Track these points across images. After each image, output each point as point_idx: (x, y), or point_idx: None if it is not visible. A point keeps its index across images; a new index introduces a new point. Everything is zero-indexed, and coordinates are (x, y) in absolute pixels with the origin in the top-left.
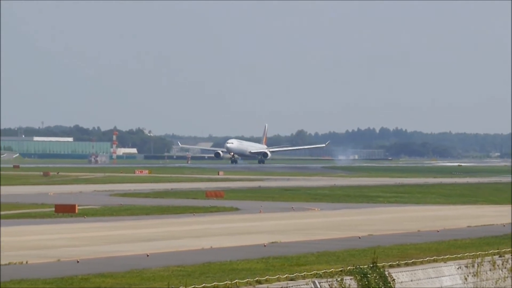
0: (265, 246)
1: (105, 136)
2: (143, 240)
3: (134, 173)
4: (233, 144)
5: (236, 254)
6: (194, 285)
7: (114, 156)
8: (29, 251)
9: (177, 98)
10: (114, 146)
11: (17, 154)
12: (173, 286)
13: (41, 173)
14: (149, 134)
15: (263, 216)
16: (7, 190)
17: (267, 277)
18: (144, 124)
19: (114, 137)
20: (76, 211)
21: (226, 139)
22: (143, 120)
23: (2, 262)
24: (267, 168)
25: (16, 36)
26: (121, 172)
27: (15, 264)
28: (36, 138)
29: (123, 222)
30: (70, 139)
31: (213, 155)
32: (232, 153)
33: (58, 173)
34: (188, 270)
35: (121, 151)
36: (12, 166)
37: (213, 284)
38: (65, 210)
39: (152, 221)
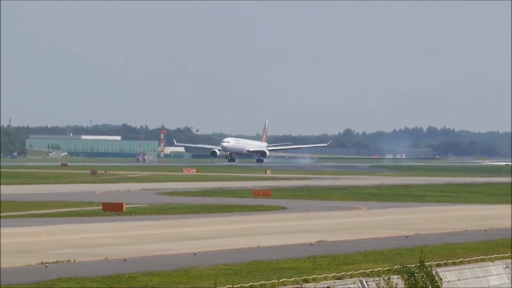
0: (312, 245)
1: (152, 134)
2: (191, 238)
3: (182, 171)
4: (230, 142)
5: (283, 253)
6: (241, 283)
7: (161, 154)
8: (77, 249)
9: (225, 96)
10: (162, 144)
11: (65, 153)
12: (220, 285)
13: (89, 171)
14: (196, 133)
15: (310, 215)
16: (55, 188)
17: (314, 276)
18: (192, 123)
19: (162, 136)
20: (124, 209)
21: (274, 138)
22: (191, 119)
23: (50, 260)
24: (315, 167)
25: (65, 35)
26: (169, 171)
27: (63, 262)
28: (84, 137)
29: (171, 221)
30: (118, 137)
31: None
32: (228, 152)
33: (106, 171)
34: (235, 269)
35: (169, 149)
36: (60, 164)
37: (260, 282)
38: (112, 209)
39: (199, 219)
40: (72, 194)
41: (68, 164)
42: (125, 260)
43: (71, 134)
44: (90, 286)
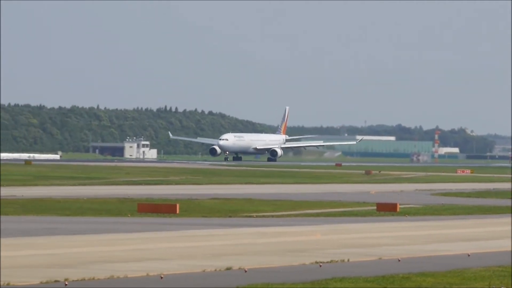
0: None
1: (427, 135)
2: (464, 239)
3: (456, 172)
4: (228, 140)
5: None
6: None
7: (435, 155)
8: (351, 249)
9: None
10: (436, 145)
11: (340, 153)
12: (494, 286)
13: (363, 171)
14: (471, 134)
15: None
16: (329, 188)
17: None
18: (467, 124)
19: (436, 136)
20: (398, 210)
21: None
22: (465, 119)
23: (325, 260)
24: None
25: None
26: (443, 172)
27: (337, 262)
28: (358, 137)
29: (445, 222)
30: (392, 138)
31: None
32: (227, 152)
33: (379, 171)
34: (510, 271)
35: (443, 150)
36: (334, 164)
37: None
38: (386, 209)
39: (473, 221)
40: (346, 194)
41: (343, 164)
42: (399, 260)
43: (346, 134)
44: (363, 286)
